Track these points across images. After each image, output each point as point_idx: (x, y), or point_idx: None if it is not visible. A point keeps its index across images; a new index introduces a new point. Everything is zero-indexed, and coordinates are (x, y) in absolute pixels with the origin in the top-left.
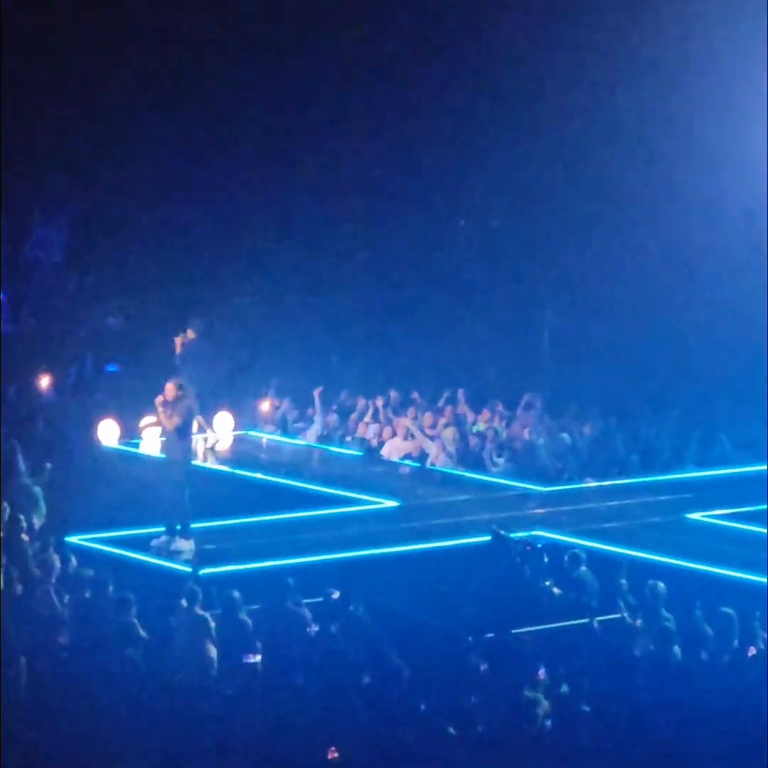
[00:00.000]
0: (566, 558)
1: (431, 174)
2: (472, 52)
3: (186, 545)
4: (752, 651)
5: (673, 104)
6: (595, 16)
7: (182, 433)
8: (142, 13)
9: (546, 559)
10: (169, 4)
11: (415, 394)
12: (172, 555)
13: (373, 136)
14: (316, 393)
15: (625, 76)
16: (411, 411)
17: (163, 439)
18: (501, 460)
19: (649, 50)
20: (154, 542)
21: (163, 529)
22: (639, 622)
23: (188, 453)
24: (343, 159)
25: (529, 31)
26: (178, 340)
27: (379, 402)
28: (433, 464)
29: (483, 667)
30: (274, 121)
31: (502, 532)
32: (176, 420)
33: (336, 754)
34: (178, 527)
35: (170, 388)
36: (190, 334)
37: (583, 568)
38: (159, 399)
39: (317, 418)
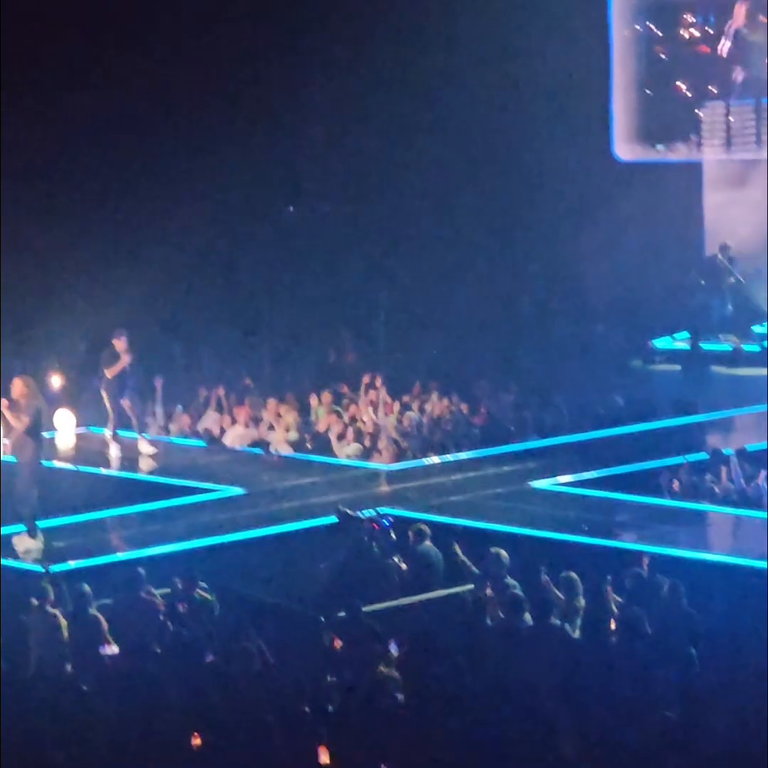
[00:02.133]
0: (412, 533)
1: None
2: None
3: (33, 544)
4: (611, 624)
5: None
6: None
7: (32, 432)
8: None
9: (393, 536)
10: None
11: (248, 381)
12: (21, 554)
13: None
14: (157, 383)
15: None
16: (250, 398)
17: (8, 440)
18: (344, 442)
19: None
20: (14, 539)
21: (23, 528)
22: (488, 591)
23: (38, 451)
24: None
25: None
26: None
27: (220, 391)
28: (276, 450)
29: (336, 645)
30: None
31: (348, 512)
32: (26, 420)
33: (198, 741)
34: (26, 527)
35: (17, 386)
36: (119, 345)
37: (429, 542)
38: (4, 402)
39: (158, 410)
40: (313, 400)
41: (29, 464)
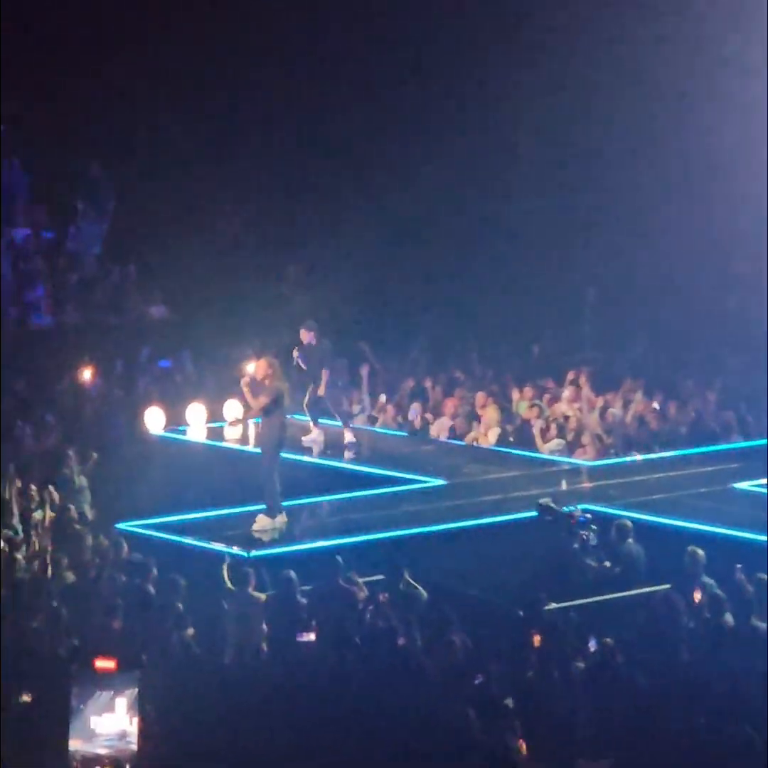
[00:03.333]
0: (613, 530)
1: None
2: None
3: (280, 522)
4: None
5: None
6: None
7: (271, 413)
8: None
9: (592, 532)
10: None
11: (459, 374)
12: (264, 534)
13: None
14: (363, 372)
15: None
16: (458, 391)
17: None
18: (548, 436)
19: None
20: (257, 519)
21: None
22: (701, 596)
23: (279, 434)
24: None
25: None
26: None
27: (428, 383)
28: (479, 442)
29: (535, 640)
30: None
31: (551, 506)
32: (263, 401)
33: (396, 731)
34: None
35: (261, 366)
36: (307, 336)
37: (631, 539)
38: (245, 379)
39: (364, 398)
40: (517, 394)
41: (267, 447)
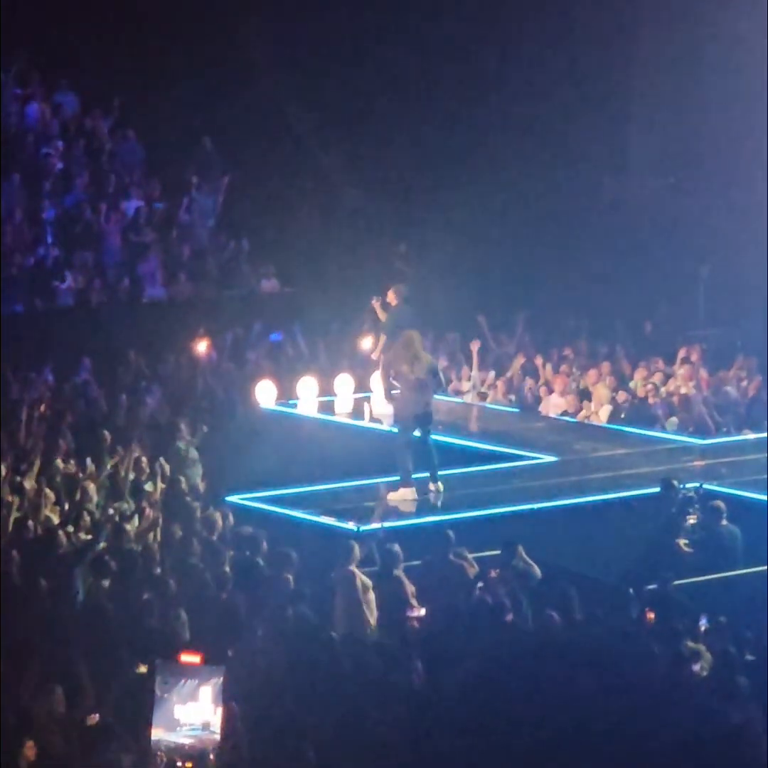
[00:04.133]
0: (710, 509)
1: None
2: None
3: (410, 495)
4: None
5: None
6: None
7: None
8: None
9: (695, 510)
10: None
11: (569, 352)
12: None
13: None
14: (473, 347)
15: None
16: (565, 367)
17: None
18: (666, 415)
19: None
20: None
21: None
22: None
23: (411, 408)
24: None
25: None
26: (377, 304)
27: (538, 360)
28: (591, 420)
29: (648, 617)
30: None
31: (674, 483)
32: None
33: (502, 708)
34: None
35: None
36: (392, 298)
37: (725, 521)
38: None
39: (474, 374)
40: (640, 373)
41: (400, 421)
